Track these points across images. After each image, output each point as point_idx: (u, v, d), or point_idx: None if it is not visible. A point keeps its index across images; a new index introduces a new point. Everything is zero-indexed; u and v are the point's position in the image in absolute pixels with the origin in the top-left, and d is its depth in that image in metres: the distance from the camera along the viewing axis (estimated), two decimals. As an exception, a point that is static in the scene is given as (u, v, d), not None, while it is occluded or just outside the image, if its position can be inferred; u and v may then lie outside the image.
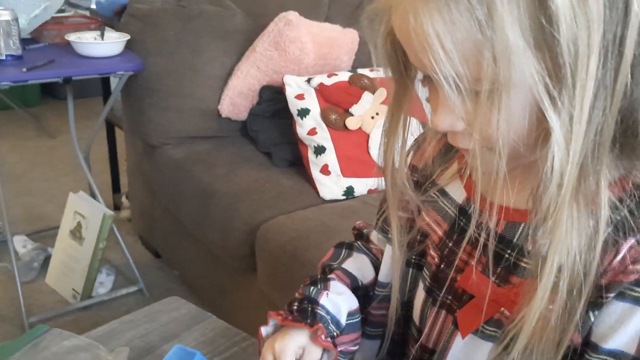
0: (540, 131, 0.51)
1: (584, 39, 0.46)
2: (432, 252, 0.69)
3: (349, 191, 1.77)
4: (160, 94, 1.96)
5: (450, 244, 0.67)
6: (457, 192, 0.68)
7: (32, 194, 2.78)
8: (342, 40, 2.04)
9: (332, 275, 0.76)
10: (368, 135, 1.81)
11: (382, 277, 0.76)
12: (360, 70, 1.93)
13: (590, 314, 0.55)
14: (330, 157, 1.78)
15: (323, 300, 0.70)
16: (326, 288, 0.73)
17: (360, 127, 1.82)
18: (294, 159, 1.88)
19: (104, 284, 2.10)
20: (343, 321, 0.71)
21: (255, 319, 0.84)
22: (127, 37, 1.92)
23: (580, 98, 0.47)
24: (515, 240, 0.60)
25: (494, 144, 0.51)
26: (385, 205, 0.75)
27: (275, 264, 1.57)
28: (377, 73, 1.91)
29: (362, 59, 2.06)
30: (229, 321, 0.86)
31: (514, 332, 0.56)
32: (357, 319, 0.73)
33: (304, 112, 1.82)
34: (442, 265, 0.67)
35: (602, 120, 0.49)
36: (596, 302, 0.55)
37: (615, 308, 0.55)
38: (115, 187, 2.67)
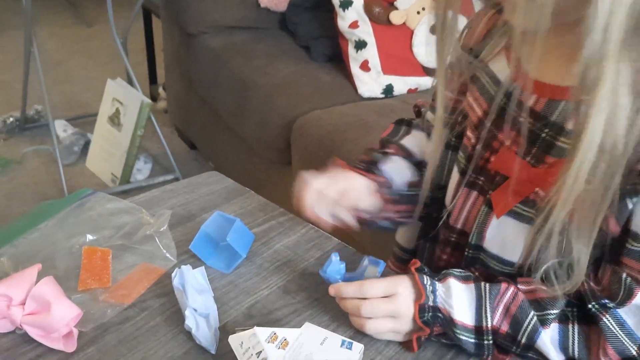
0: None
1: None
2: (469, 133, 0.68)
3: (389, 89, 1.73)
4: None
5: (489, 124, 0.65)
6: (501, 70, 0.66)
7: (71, 81, 2.80)
8: None
9: (390, 150, 0.78)
10: (412, 32, 1.74)
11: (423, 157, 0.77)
12: (407, -37, 1.82)
13: (628, 201, 0.55)
14: (371, 53, 1.72)
15: (387, 165, 0.74)
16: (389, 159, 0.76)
17: (404, 23, 1.74)
18: (333, 53, 1.83)
19: (142, 171, 2.16)
20: (404, 188, 0.74)
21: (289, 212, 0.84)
22: None
23: None
24: (554, 118, 0.59)
25: None
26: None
27: (311, 157, 1.57)
28: (425, -35, 1.80)
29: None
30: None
31: (547, 210, 0.55)
32: (414, 192, 0.75)
33: (346, 4, 1.75)
34: (477, 146, 0.67)
35: None
36: (634, 189, 0.54)
37: None
38: (152, 79, 2.67)
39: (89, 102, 2.55)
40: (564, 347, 0.59)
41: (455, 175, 0.71)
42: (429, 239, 0.78)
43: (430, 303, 0.62)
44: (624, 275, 0.57)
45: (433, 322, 0.62)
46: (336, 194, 0.69)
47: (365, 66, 1.73)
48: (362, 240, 1.37)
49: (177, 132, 2.41)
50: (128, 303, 0.67)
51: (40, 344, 0.61)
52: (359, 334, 0.65)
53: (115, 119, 2.06)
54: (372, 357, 0.63)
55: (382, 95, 1.73)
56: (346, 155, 1.45)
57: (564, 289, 0.58)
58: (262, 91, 1.73)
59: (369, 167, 0.75)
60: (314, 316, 0.66)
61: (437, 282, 0.63)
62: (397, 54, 1.75)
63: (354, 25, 1.74)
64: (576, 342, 0.59)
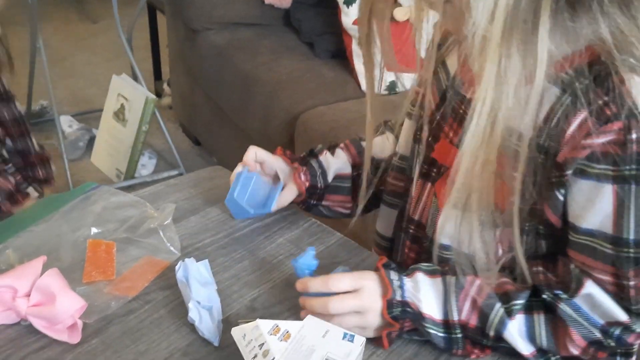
0: None
1: None
2: (425, 126, 0.70)
3: (392, 86, 1.73)
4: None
5: (438, 117, 0.68)
6: (453, 64, 0.69)
7: (76, 77, 2.81)
8: None
9: (341, 145, 0.84)
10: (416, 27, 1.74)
11: (400, 149, 0.78)
12: (412, -41, 1.82)
13: (557, 193, 0.56)
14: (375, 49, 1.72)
15: (322, 156, 0.81)
16: (329, 150, 0.83)
17: (408, 19, 1.74)
18: (337, 50, 1.83)
19: (146, 166, 2.16)
20: (330, 177, 0.80)
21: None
22: None
23: None
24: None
25: None
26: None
27: (314, 152, 1.57)
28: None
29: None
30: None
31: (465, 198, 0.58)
32: (345, 184, 0.81)
33: (350, 1, 1.75)
34: (429, 139, 0.69)
35: None
36: (559, 182, 0.56)
37: (580, 186, 0.55)
38: (157, 75, 2.67)
39: (94, 98, 2.56)
40: (531, 337, 0.60)
41: (417, 167, 0.73)
42: (402, 230, 0.78)
43: (399, 298, 0.62)
44: (572, 266, 0.58)
45: (403, 317, 0.62)
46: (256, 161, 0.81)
47: (369, 62, 1.73)
48: (367, 238, 1.37)
49: (182, 128, 2.42)
50: (132, 295, 0.68)
51: (45, 335, 0.61)
52: (360, 327, 0.65)
53: (120, 115, 2.07)
54: (373, 350, 0.63)
55: (386, 92, 1.73)
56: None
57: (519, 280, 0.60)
58: (266, 87, 1.73)
59: (304, 158, 0.82)
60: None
61: (405, 277, 0.63)
62: (401, 50, 1.74)
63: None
64: (543, 331, 0.59)
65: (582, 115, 0.53)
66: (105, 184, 0.83)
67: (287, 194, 0.79)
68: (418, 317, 0.61)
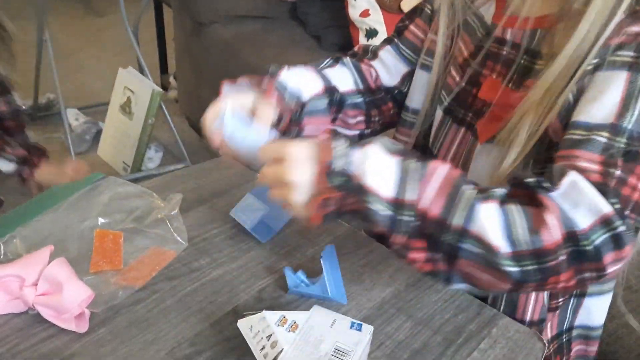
0: None
1: None
2: (453, 73, 0.70)
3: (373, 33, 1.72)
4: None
5: (473, 62, 0.68)
6: (488, 13, 0.69)
7: (83, 71, 2.81)
8: None
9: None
10: (423, 21, 1.73)
11: (411, 103, 0.77)
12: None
13: (571, 95, 0.58)
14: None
15: (283, 74, 0.73)
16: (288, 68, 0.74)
17: (415, 12, 1.73)
18: (344, 43, 1.82)
19: (153, 159, 2.16)
20: (305, 96, 0.72)
21: None
22: None
23: None
24: (531, 46, 0.63)
25: None
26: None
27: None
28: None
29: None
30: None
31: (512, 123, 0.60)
32: (322, 104, 0.73)
33: (358, -7, 1.74)
34: (463, 84, 0.70)
35: None
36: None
37: (596, 81, 0.56)
38: (163, 68, 2.67)
39: (101, 91, 2.56)
40: (507, 225, 0.50)
41: (438, 115, 0.72)
42: None
43: (339, 167, 0.53)
44: (555, 165, 0.55)
45: (343, 191, 0.53)
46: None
47: (376, 55, 1.72)
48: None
49: (188, 121, 2.41)
50: (139, 285, 0.67)
51: (52, 325, 0.61)
52: (367, 319, 0.65)
53: (126, 108, 2.07)
54: (381, 341, 0.63)
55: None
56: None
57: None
58: (272, 80, 1.72)
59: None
60: (322, 300, 0.66)
61: (354, 148, 0.54)
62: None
63: (365, 13, 1.73)
64: (518, 219, 0.51)
65: (614, 16, 0.57)
66: (112, 176, 0.83)
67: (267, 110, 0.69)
68: (359, 190, 0.52)
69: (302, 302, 0.67)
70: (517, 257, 0.50)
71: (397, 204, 0.52)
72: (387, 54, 0.79)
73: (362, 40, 1.74)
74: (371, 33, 1.72)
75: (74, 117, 2.30)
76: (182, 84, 2.37)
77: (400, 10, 1.72)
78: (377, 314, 0.66)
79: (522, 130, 0.59)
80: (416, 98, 0.76)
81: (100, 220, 0.75)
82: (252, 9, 1.98)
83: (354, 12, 1.74)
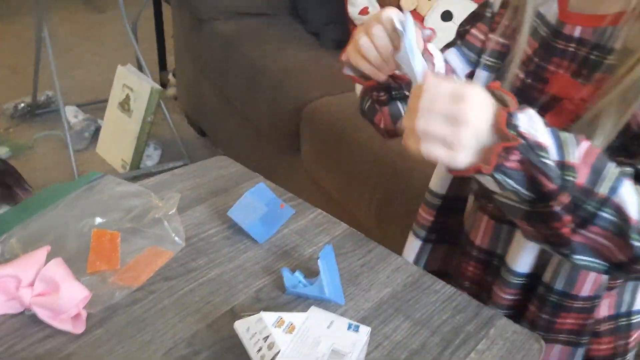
0: None
1: None
2: (517, 71, 0.72)
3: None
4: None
5: (537, 60, 0.70)
6: (551, 13, 0.71)
7: (82, 67, 2.80)
8: None
9: None
10: (423, 18, 1.73)
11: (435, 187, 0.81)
12: (420, -52, 1.80)
13: None
14: (381, 39, 1.71)
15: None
16: None
17: (415, 9, 1.73)
18: (343, 40, 1.80)
19: (152, 157, 2.16)
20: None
21: (301, 194, 0.85)
22: None
23: None
24: (600, 42, 0.65)
25: None
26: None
27: (321, 143, 1.56)
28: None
29: None
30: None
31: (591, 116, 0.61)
32: None
33: (357, -10, 1.73)
34: (528, 80, 0.71)
35: None
36: None
37: None
38: (162, 65, 2.66)
39: (100, 88, 2.55)
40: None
41: None
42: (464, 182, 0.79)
43: (514, 122, 0.52)
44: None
45: (524, 141, 0.52)
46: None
47: (375, 53, 1.72)
48: (371, 226, 1.37)
49: (187, 119, 2.41)
50: (137, 286, 0.67)
51: (49, 325, 0.61)
52: (364, 320, 0.65)
53: (125, 105, 2.07)
54: (379, 342, 0.62)
55: (393, 82, 1.71)
56: (356, 143, 1.44)
57: None
58: (272, 77, 1.72)
59: None
60: (320, 301, 0.66)
61: (517, 111, 0.53)
62: (408, 41, 1.73)
63: (364, 11, 1.72)
64: None
65: None
66: (110, 174, 0.82)
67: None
68: (534, 147, 0.52)
69: (299, 302, 0.66)
70: None
71: (562, 166, 0.54)
72: (452, 56, 0.81)
73: (362, 37, 1.74)
74: (371, 30, 1.72)
75: (72, 114, 2.30)
76: (181, 81, 2.37)
77: (399, 8, 1.71)
78: (375, 314, 0.66)
79: (607, 121, 0.60)
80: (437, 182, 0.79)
81: (98, 219, 0.75)
82: (252, 6, 1.97)
83: (353, 10, 1.74)
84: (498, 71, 0.75)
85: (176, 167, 2.13)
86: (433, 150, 0.52)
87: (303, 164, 1.66)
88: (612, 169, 0.55)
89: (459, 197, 0.83)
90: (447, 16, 1.71)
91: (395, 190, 1.33)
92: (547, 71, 0.70)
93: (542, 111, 0.68)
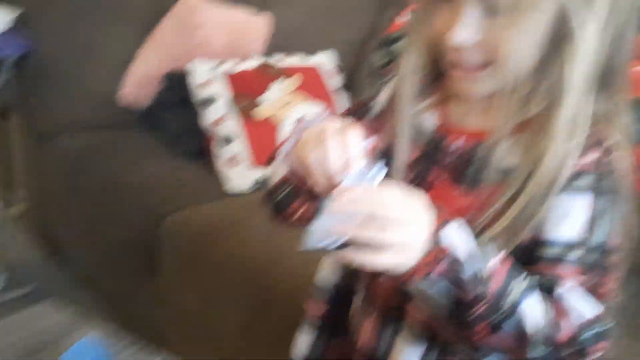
0: (547, 54, 0.60)
1: None
2: (402, 174, 0.73)
3: (259, 183, 1.70)
4: (56, 78, 1.81)
5: (420, 168, 0.72)
6: (430, 123, 0.73)
7: None
8: (255, 25, 1.97)
9: None
10: (278, 124, 1.75)
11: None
12: (272, 57, 1.86)
13: (538, 211, 0.62)
14: (238, 148, 1.70)
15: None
16: None
17: (270, 116, 1.75)
18: (199, 150, 1.79)
19: (-5, 283, 1.93)
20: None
21: (160, 319, 0.77)
22: (17, 12, 1.74)
23: (595, 15, 0.59)
24: (480, 155, 0.67)
25: (502, 60, 0.60)
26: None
27: (180, 260, 1.48)
28: (289, 60, 1.85)
29: (275, 45, 1.99)
30: (131, 323, 0.78)
31: (477, 231, 0.62)
32: None
33: (210, 100, 1.73)
34: (412, 185, 0.71)
35: (600, 50, 0.60)
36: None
37: (561, 202, 0.62)
38: (7, 181, 2.45)
39: None
40: (539, 316, 0.59)
41: None
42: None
43: (445, 231, 0.57)
44: (546, 279, 0.62)
45: (452, 254, 0.57)
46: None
47: (232, 162, 1.70)
48: (238, 347, 1.28)
49: (36, 238, 2.20)
50: None
51: None
52: None
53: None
54: None
55: (253, 189, 1.69)
56: (218, 258, 1.38)
57: None
58: (125, 193, 1.64)
59: None
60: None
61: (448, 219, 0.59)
62: (265, 148, 1.74)
63: (219, 121, 1.72)
64: (546, 313, 0.60)
65: (571, 145, 0.62)
66: None
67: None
68: (457, 258, 0.57)
69: None
70: (540, 343, 0.59)
71: (479, 277, 0.57)
72: None
73: (218, 147, 1.72)
74: (226, 140, 1.71)
75: None
76: (29, 198, 2.19)
77: (254, 116, 1.73)
78: None
79: (491, 232, 0.63)
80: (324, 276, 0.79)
81: None
82: (102, 119, 1.90)
83: (207, 120, 1.73)
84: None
85: (25, 294, 1.92)
86: (378, 259, 0.55)
87: (162, 284, 1.55)
88: (519, 282, 0.59)
89: (348, 290, 0.80)
90: (301, 122, 1.75)
91: (262, 307, 1.27)
92: (428, 181, 0.71)
93: None
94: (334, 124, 0.64)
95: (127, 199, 1.63)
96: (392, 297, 0.64)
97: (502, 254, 0.60)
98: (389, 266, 0.56)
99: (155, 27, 1.86)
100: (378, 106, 0.79)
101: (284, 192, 0.79)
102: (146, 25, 1.87)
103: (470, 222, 0.64)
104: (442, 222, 0.57)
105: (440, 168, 0.71)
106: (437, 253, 0.56)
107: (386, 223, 0.55)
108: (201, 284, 1.43)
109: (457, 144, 0.70)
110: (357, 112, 0.81)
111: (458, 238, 0.58)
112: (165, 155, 1.80)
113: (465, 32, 0.61)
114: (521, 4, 0.58)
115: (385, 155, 0.75)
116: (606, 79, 0.65)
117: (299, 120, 0.70)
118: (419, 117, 0.74)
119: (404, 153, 0.73)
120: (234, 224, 1.47)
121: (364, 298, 0.78)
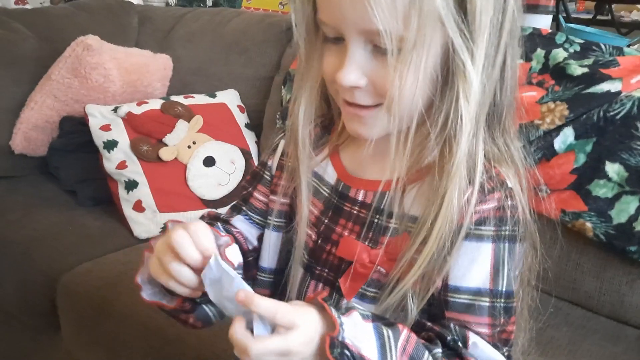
0: (439, 92, 0.60)
1: (485, 13, 0.58)
2: (309, 231, 0.72)
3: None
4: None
5: (326, 221, 0.71)
6: (329, 174, 0.73)
7: None
8: (154, 66, 1.91)
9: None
10: (185, 166, 1.69)
11: (264, 262, 0.77)
12: (174, 98, 1.81)
13: (447, 257, 0.62)
14: (143, 192, 1.62)
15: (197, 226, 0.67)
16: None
17: (176, 158, 1.69)
18: (103, 196, 1.69)
19: None
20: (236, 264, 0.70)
21: None
22: None
23: (480, 53, 0.59)
24: (382, 206, 0.67)
25: (391, 100, 0.59)
26: (251, 188, 0.79)
27: (80, 319, 1.37)
28: (191, 100, 1.80)
29: (176, 85, 1.94)
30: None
31: (391, 285, 0.63)
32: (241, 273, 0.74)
33: (111, 145, 1.65)
34: (319, 241, 0.71)
35: (487, 86, 0.61)
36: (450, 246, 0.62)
37: (465, 249, 0.62)
38: None
39: None
40: None
41: (299, 272, 0.73)
42: None
43: (340, 338, 0.56)
44: (452, 325, 0.63)
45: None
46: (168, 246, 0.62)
47: (139, 207, 1.62)
48: None
49: None
50: None
51: None
52: None
53: None
54: None
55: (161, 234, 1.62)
56: (120, 313, 1.29)
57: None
58: (17, 248, 1.51)
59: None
60: None
61: (342, 317, 0.57)
62: (173, 190, 1.67)
63: (122, 165, 1.64)
64: None
65: (469, 190, 0.62)
66: None
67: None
68: (357, 359, 0.56)
69: None
70: None
71: None
72: (240, 223, 0.79)
73: (122, 192, 1.63)
74: (131, 185, 1.62)
75: None
76: None
77: (159, 158, 1.66)
78: None
79: (412, 302, 0.63)
80: (269, 258, 0.77)
81: None
82: (-7, 170, 1.76)
83: (109, 165, 1.64)
84: (288, 231, 0.74)
85: None
86: None
87: (64, 344, 1.43)
88: (425, 356, 0.60)
89: None
90: (209, 162, 1.70)
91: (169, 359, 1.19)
92: (335, 233, 0.70)
93: (332, 273, 0.70)
94: (178, 232, 0.62)
95: (17, 256, 1.50)
96: None
97: (405, 332, 0.60)
98: None
99: (48, 70, 1.76)
100: (275, 164, 0.78)
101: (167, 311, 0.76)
102: (36, 70, 1.77)
103: (383, 276, 0.65)
104: (331, 338, 0.56)
105: (346, 219, 0.70)
106: (339, 356, 0.56)
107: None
108: (104, 339, 1.32)
109: (360, 194, 0.69)
110: (258, 174, 0.80)
111: (355, 338, 0.57)
112: (66, 203, 1.69)
113: (353, 73, 0.60)
114: (406, 43, 0.56)
115: (286, 213, 0.75)
116: (497, 114, 0.65)
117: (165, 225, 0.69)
118: (318, 168, 0.73)
119: (305, 210, 0.72)
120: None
121: None
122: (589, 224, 1.21)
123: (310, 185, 0.72)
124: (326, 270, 0.71)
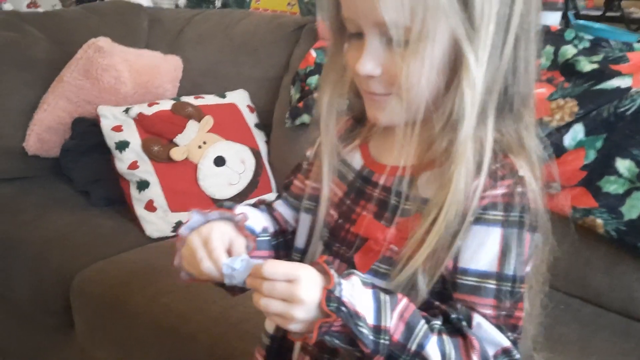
0: (448, 82, 0.63)
1: (488, 4, 0.61)
2: (331, 212, 0.77)
3: (179, 227, 1.64)
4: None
5: (348, 202, 0.75)
6: (357, 161, 0.77)
7: None
8: (164, 67, 1.93)
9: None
10: (196, 166, 1.71)
11: (297, 244, 0.81)
12: (184, 98, 1.82)
13: (456, 238, 0.64)
14: (155, 192, 1.64)
15: (238, 208, 0.77)
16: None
17: (186, 158, 1.70)
18: (115, 196, 1.71)
19: None
20: (257, 229, 0.77)
21: None
22: None
23: (484, 44, 0.62)
24: (399, 189, 0.70)
25: (401, 89, 0.63)
26: (295, 174, 0.84)
27: (94, 317, 1.39)
28: (201, 100, 1.82)
29: (187, 86, 1.96)
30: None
31: (402, 263, 0.66)
32: (267, 238, 0.80)
33: (122, 145, 1.67)
34: (339, 220, 0.76)
35: (495, 76, 0.63)
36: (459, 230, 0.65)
37: (474, 232, 0.64)
38: None
39: None
40: (443, 354, 0.63)
41: (319, 247, 0.77)
42: None
43: (336, 294, 0.61)
44: (459, 305, 0.65)
45: (337, 314, 0.60)
46: (199, 244, 0.70)
47: (150, 206, 1.64)
48: None
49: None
50: None
51: None
52: None
53: None
54: None
55: (173, 234, 1.63)
56: (134, 309, 1.30)
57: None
58: (32, 249, 1.53)
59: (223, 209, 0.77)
60: None
61: (342, 278, 0.63)
62: (184, 190, 1.69)
63: (134, 165, 1.65)
64: (452, 349, 0.63)
65: (479, 176, 0.65)
66: None
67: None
68: (353, 316, 0.61)
69: None
70: None
71: (377, 330, 0.62)
72: (280, 207, 0.85)
73: (134, 192, 1.65)
74: (142, 184, 1.64)
75: None
76: None
77: (170, 159, 1.67)
78: None
79: (421, 279, 0.66)
80: (301, 239, 0.81)
81: None
82: (6, 171, 1.79)
83: (121, 165, 1.66)
84: (315, 213, 0.78)
85: None
86: (273, 319, 0.62)
87: (78, 342, 1.45)
88: (422, 326, 0.63)
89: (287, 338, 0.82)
90: (219, 161, 1.71)
91: (182, 357, 1.21)
92: (355, 213, 0.74)
93: (347, 249, 0.75)
94: (204, 231, 0.71)
95: (31, 256, 1.52)
96: (322, 343, 0.65)
97: (404, 301, 0.64)
98: (281, 326, 0.63)
99: (60, 72, 1.78)
100: (313, 153, 0.83)
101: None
102: (48, 72, 1.80)
103: (396, 254, 0.68)
104: (328, 291, 0.60)
105: (366, 201, 0.74)
106: (322, 321, 0.61)
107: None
108: (118, 337, 1.34)
109: (382, 178, 0.73)
110: (299, 165, 0.86)
111: (351, 297, 0.61)
112: (79, 204, 1.71)
113: (369, 63, 0.64)
114: (414, 35, 0.60)
115: (316, 196, 0.80)
116: (508, 104, 0.67)
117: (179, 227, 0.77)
118: (347, 156, 0.78)
119: (326, 189, 0.77)
120: (153, 272, 1.40)
121: (302, 345, 0.79)
122: (599, 221, 1.21)
123: (333, 168, 0.77)
124: (344, 247, 0.74)
